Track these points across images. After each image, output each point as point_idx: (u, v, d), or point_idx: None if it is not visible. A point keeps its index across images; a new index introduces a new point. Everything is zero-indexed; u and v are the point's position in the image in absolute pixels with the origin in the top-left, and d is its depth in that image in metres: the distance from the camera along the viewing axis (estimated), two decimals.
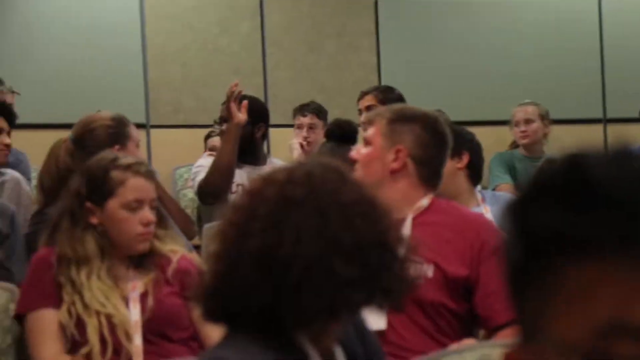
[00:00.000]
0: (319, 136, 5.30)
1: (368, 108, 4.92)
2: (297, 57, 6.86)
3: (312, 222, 1.55)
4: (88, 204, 2.69)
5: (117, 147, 3.46)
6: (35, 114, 5.98)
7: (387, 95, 4.92)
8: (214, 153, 5.52)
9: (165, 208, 4.05)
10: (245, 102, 4.23)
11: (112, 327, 2.61)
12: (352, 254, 1.54)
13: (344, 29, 6.93)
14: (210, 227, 4.01)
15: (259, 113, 4.54)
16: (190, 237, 4.24)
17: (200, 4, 6.71)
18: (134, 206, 2.69)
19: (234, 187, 4.41)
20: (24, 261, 3.22)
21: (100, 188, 2.69)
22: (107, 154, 2.84)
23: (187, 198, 4.85)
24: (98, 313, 2.61)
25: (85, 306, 2.61)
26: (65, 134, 3.78)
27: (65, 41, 6.41)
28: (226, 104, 4.24)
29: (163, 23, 6.64)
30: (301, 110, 5.46)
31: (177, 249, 2.81)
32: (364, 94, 5.03)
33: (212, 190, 4.25)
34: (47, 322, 2.64)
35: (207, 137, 5.88)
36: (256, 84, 6.71)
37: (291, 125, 5.59)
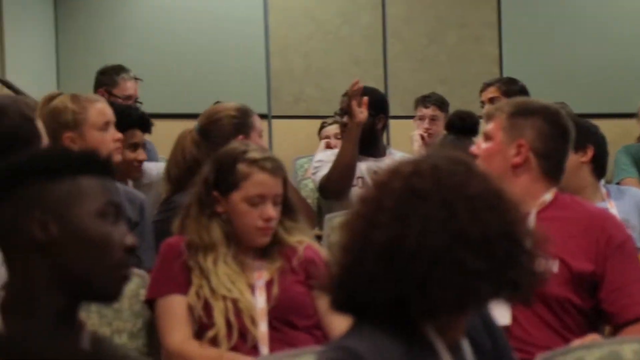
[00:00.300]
0: (440, 128, 5.27)
1: (491, 100, 4.88)
2: (418, 48, 6.84)
3: (438, 214, 1.55)
4: (215, 193, 2.74)
5: (240, 137, 3.51)
6: (161, 104, 6.11)
7: (510, 87, 4.87)
8: (330, 141, 5.57)
9: None
10: (365, 99, 4.24)
11: (238, 312, 2.66)
12: (479, 246, 1.54)
13: (466, 20, 6.88)
14: (331, 218, 4.04)
15: (379, 104, 4.54)
16: (310, 228, 4.28)
17: None
18: (256, 201, 2.73)
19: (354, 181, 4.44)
20: (153, 248, 3.30)
21: (226, 179, 2.73)
22: (239, 144, 2.87)
23: (308, 188, 4.89)
24: (224, 297, 2.66)
25: (212, 290, 2.67)
26: (190, 124, 3.86)
27: (190, 32, 6.53)
28: (348, 101, 4.26)
29: (286, 14, 6.70)
30: (423, 101, 5.44)
31: (303, 240, 2.84)
32: (486, 86, 4.99)
33: (333, 188, 4.29)
34: (176, 307, 2.70)
35: (321, 128, 5.91)
36: (376, 75, 6.72)
37: (411, 117, 5.58)
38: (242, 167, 2.74)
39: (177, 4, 6.54)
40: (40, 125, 2.45)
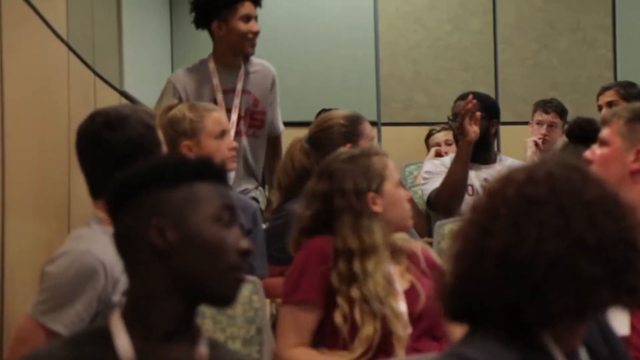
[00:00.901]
0: (557, 135, 5.21)
1: (609, 104, 4.81)
2: (529, 54, 6.77)
3: (554, 221, 1.54)
4: (371, 195, 2.77)
5: (349, 145, 3.52)
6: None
7: (629, 90, 4.79)
8: (440, 149, 5.54)
9: None
10: (478, 114, 4.22)
11: (385, 320, 2.66)
12: (596, 252, 1.52)
13: (579, 24, 6.78)
14: (441, 225, 4.03)
15: (493, 109, 4.53)
16: (421, 234, 4.28)
17: (433, 2, 6.74)
18: (399, 184, 2.86)
19: None
20: (265, 256, 3.35)
21: (374, 176, 2.77)
22: (360, 150, 2.91)
23: (417, 196, 4.88)
24: (375, 303, 2.66)
25: (364, 296, 2.65)
26: (301, 132, 3.90)
27: (299, 39, 6.59)
28: (460, 120, 4.24)
29: (395, 21, 6.71)
30: (544, 106, 5.36)
31: (416, 243, 2.87)
32: (604, 90, 4.91)
33: (442, 204, 4.29)
34: (304, 316, 2.70)
35: (429, 135, 5.89)
36: (487, 81, 6.67)
37: (522, 123, 5.52)
38: (375, 159, 2.81)
39: (286, 12, 6.61)
40: (160, 133, 2.50)
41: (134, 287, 1.70)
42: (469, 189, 4.43)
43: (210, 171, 1.72)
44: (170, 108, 3.35)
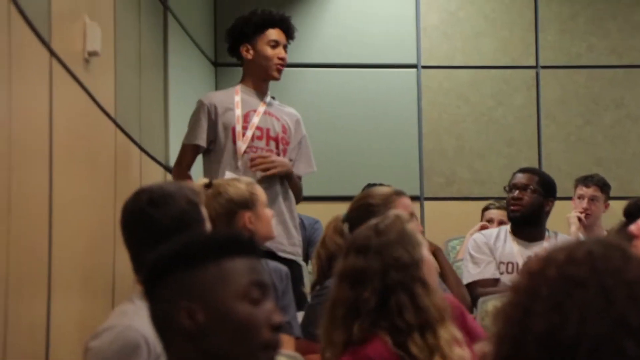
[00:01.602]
0: (599, 209, 5.19)
1: None
2: (573, 129, 6.77)
3: (596, 301, 1.53)
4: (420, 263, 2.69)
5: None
6: (317, 186, 6.22)
7: None
8: (489, 226, 5.52)
9: (445, 278, 4.12)
10: None
11: None
12: None
13: (622, 100, 6.78)
14: (485, 301, 4.02)
15: (550, 188, 4.55)
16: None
17: (476, 78, 6.78)
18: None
19: (503, 267, 4.41)
20: (297, 318, 3.38)
21: (417, 244, 2.68)
22: (394, 217, 2.83)
23: (460, 271, 4.87)
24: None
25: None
26: (346, 206, 3.90)
27: (342, 113, 6.65)
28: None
29: (438, 96, 6.75)
30: (584, 180, 5.35)
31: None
32: None
33: (474, 296, 4.28)
34: None
35: (485, 208, 5.87)
36: (530, 156, 6.68)
37: (565, 198, 5.50)
38: (412, 226, 2.71)
39: (331, 87, 6.68)
40: (204, 210, 2.53)
41: None
42: (511, 266, 4.42)
43: (240, 245, 1.71)
44: (208, 186, 3.40)
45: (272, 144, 4.42)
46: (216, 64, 6.51)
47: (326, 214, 5.91)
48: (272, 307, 1.70)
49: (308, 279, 5.07)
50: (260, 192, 3.47)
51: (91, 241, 3.47)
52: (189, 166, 4.44)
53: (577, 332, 1.50)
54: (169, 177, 4.93)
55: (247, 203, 3.38)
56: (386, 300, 2.58)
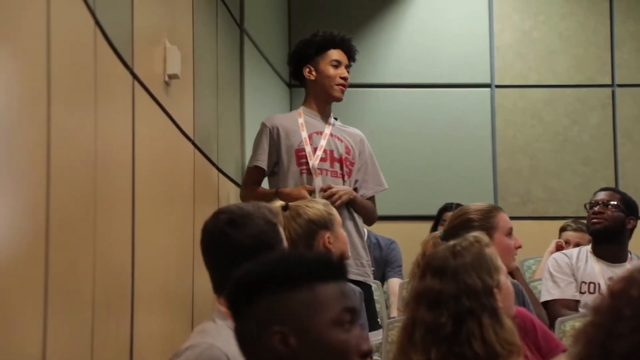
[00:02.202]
0: None
1: None
2: None
3: None
4: (495, 290, 2.63)
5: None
6: (393, 206, 6.23)
7: None
8: (564, 246, 5.48)
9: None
10: None
11: None
12: None
13: None
14: (563, 321, 3.99)
15: (632, 206, 4.51)
16: None
17: (551, 97, 6.74)
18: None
19: (585, 287, 4.37)
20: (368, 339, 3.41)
21: (494, 270, 2.65)
22: (473, 240, 2.74)
23: (537, 291, 4.84)
24: None
25: None
26: (421, 226, 3.91)
27: (417, 134, 6.65)
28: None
29: (513, 116, 6.72)
30: None
31: None
32: None
33: (551, 317, 4.25)
34: None
35: (563, 229, 5.82)
36: (606, 175, 6.61)
37: None
38: (490, 251, 2.68)
39: (406, 109, 6.68)
40: (282, 230, 2.56)
41: None
42: (592, 286, 4.38)
43: (332, 269, 1.71)
44: (286, 207, 3.44)
45: (337, 166, 4.44)
46: (291, 85, 6.57)
47: (401, 234, 5.96)
48: (360, 333, 1.70)
49: (384, 298, 5.08)
50: (336, 213, 3.50)
51: (171, 261, 3.53)
52: (255, 188, 4.49)
53: None
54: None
55: (326, 223, 3.41)
56: (460, 327, 2.56)
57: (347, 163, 4.48)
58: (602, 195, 4.53)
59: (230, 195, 4.66)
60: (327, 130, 4.50)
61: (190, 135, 3.84)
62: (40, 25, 2.18)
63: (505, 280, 2.68)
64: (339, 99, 4.54)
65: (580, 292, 4.43)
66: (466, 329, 2.55)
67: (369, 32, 6.66)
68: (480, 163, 6.65)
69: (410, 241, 5.88)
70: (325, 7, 6.70)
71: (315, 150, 4.43)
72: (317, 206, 3.45)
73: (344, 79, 4.50)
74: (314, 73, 4.51)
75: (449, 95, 6.69)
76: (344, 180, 4.45)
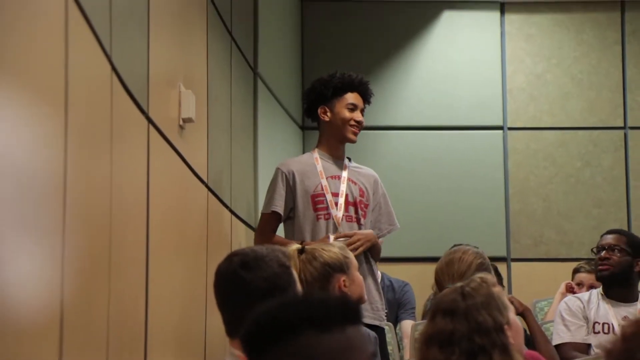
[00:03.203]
0: None
1: None
2: None
3: None
4: (506, 327, 2.64)
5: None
6: (409, 248, 6.24)
7: None
8: (576, 288, 5.47)
9: (533, 338, 4.11)
10: None
11: None
12: None
13: None
14: None
15: (639, 247, 4.51)
16: None
17: (563, 139, 6.76)
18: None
19: (599, 327, 4.37)
20: None
21: (503, 307, 2.67)
22: (480, 281, 2.75)
23: (549, 333, 4.83)
24: None
25: None
26: (433, 267, 3.90)
27: (430, 175, 6.67)
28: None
29: (525, 158, 6.74)
30: None
31: None
32: None
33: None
34: None
35: (576, 270, 5.82)
36: (619, 218, 6.61)
37: None
38: (497, 290, 2.71)
39: (418, 148, 6.71)
40: (295, 273, 2.58)
41: None
42: (606, 326, 4.38)
43: (356, 312, 1.69)
44: (302, 251, 3.46)
45: (352, 210, 4.45)
46: (304, 127, 6.61)
47: (413, 275, 5.96)
48: None
49: (396, 340, 5.08)
50: (352, 256, 3.52)
51: (185, 304, 3.55)
52: (272, 236, 4.46)
53: None
54: None
55: (342, 266, 3.43)
56: None
57: (362, 206, 4.49)
58: (608, 239, 4.53)
59: (243, 238, 4.68)
60: (345, 174, 4.51)
61: (204, 178, 3.87)
62: (58, 70, 2.21)
63: (514, 317, 2.71)
64: (352, 141, 4.56)
65: (594, 332, 4.43)
66: None
67: (382, 75, 6.70)
68: (493, 204, 6.66)
69: (423, 282, 5.91)
70: (338, 50, 6.75)
71: (334, 196, 4.43)
72: (333, 249, 3.47)
73: (359, 122, 4.53)
74: (328, 114, 4.53)
75: (462, 137, 6.72)
76: (359, 225, 4.45)
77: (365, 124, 4.65)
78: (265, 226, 4.50)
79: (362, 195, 4.50)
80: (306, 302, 1.71)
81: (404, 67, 6.78)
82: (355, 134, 4.54)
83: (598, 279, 4.58)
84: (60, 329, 2.17)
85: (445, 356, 2.59)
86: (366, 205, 4.51)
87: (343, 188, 4.45)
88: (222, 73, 4.35)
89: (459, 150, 6.69)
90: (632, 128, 6.74)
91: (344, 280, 3.41)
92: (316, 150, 4.59)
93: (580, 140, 6.75)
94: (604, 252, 4.49)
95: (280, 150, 5.74)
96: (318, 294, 1.91)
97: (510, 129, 6.76)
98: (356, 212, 4.46)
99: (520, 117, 6.78)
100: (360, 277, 3.50)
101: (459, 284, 2.73)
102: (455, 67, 6.80)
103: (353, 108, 4.52)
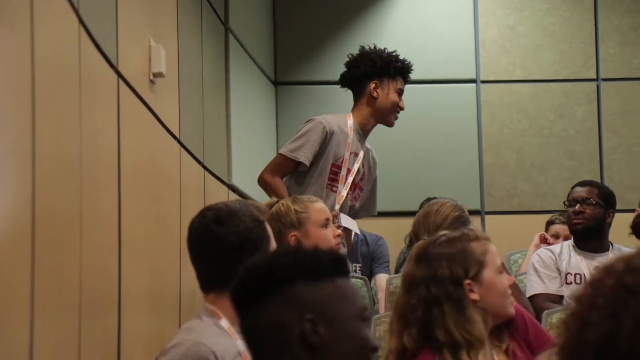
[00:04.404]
0: None
1: None
2: (635, 141, 6.71)
3: None
4: (467, 282, 2.66)
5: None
6: (383, 203, 6.23)
7: None
8: (550, 239, 5.50)
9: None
10: None
11: None
12: None
13: None
14: (549, 314, 4.01)
15: (610, 199, 4.53)
16: None
17: (536, 92, 6.76)
18: (501, 270, 2.71)
19: (571, 278, 4.40)
20: None
21: (472, 263, 2.67)
22: (460, 233, 2.78)
23: (522, 284, 4.86)
24: None
25: None
26: (406, 221, 3.93)
27: (404, 130, 6.66)
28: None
29: (499, 111, 6.75)
30: None
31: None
32: None
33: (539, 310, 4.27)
34: None
35: (551, 222, 5.84)
36: (592, 169, 6.63)
37: (628, 210, 5.46)
38: (476, 245, 2.69)
39: None
40: (269, 228, 2.56)
41: None
42: (578, 277, 4.41)
43: (343, 265, 1.73)
44: (271, 205, 3.44)
45: (353, 192, 4.41)
46: (276, 82, 6.57)
47: (387, 229, 5.97)
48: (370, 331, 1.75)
49: (371, 294, 5.09)
50: (316, 212, 3.44)
51: (158, 260, 3.54)
52: (280, 179, 4.33)
53: (629, 343, 1.49)
54: (232, 195, 4.99)
55: (294, 222, 3.39)
56: (429, 312, 2.63)
57: (359, 189, 4.46)
58: (580, 192, 4.53)
59: (216, 193, 4.66)
60: (361, 154, 4.43)
61: (176, 133, 3.84)
62: (24, 25, 2.18)
63: (492, 276, 2.68)
64: (391, 126, 4.52)
65: (567, 283, 4.46)
66: (434, 315, 2.61)
67: (354, 29, 6.66)
68: (467, 158, 6.67)
69: (396, 236, 5.93)
70: (309, 4, 6.71)
71: (347, 172, 4.36)
72: (289, 204, 3.43)
73: (402, 109, 4.49)
74: (378, 91, 4.43)
75: (435, 91, 6.71)
76: (352, 207, 4.42)
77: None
78: (279, 169, 4.35)
79: (362, 180, 4.47)
80: (297, 253, 1.75)
81: (376, 21, 6.74)
82: (396, 119, 4.49)
83: (572, 232, 4.60)
84: (31, 287, 2.16)
85: (406, 299, 2.66)
86: (362, 189, 4.48)
87: (357, 167, 4.40)
88: (193, 27, 4.31)
89: (432, 104, 6.68)
90: (604, 80, 6.75)
91: (293, 236, 3.37)
92: (351, 117, 4.49)
93: (553, 93, 6.76)
94: (577, 205, 4.50)
95: (252, 105, 5.71)
96: (307, 247, 1.92)
97: (483, 82, 6.76)
98: (353, 191, 4.43)
99: (493, 70, 6.77)
100: (324, 234, 3.43)
101: (441, 232, 2.76)
102: (428, 20, 6.77)
103: (401, 93, 4.47)
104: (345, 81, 4.53)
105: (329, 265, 1.70)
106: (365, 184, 4.51)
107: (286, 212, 3.40)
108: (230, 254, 2.41)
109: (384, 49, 4.53)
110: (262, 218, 2.54)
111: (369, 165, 4.53)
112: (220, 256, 2.43)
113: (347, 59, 4.57)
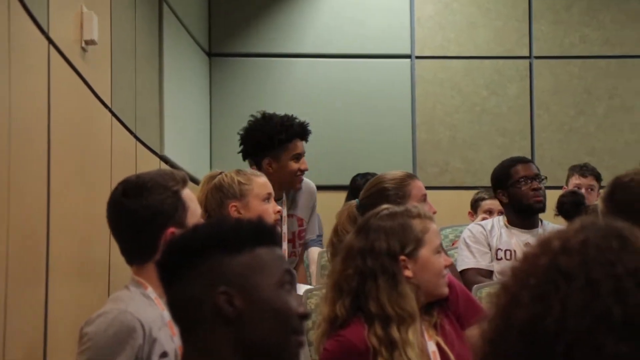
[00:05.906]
0: (594, 199, 5.20)
1: None
2: (566, 119, 6.80)
3: (580, 295, 1.49)
4: (402, 257, 2.66)
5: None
6: (315, 177, 6.22)
7: None
8: (487, 218, 5.52)
9: None
10: None
11: None
12: (622, 328, 1.48)
13: (616, 90, 6.81)
14: (479, 288, 4.04)
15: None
16: None
17: (470, 68, 6.80)
18: (439, 250, 2.71)
19: (501, 254, 4.44)
20: None
21: (410, 239, 2.68)
22: (403, 209, 2.77)
23: (453, 259, 4.89)
24: None
25: None
26: (337, 195, 3.93)
27: (337, 105, 6.67)
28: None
29: (432, 87, 6.78)
30: (581, 170, 5.35)
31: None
32: None
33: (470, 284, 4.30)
34: None
35: (481, 199, 5.86)
36: (523, 146, 6.70)
37: (558, 187, 5.53)
38: (416, 222, 2.69)
39: (325, 79, 6.69)
40: (189, 197, 2.49)
41: (193, 352, 1.69)
42: (508, 253, 4.45)
43: (268, 234, 1.73)
44: (213, 177, 3.42)
45: (289, 247, 4.35)
46: (210, 54, 6.52)
47: (321, 204, 5.96)
48: (297, 296, 1.74)
49: (305, 266, 5.10)
50: (259, 186, 3.44)
51: (88, 229, 3.50)
52: None
53: (557, 326, 1.48)
54: (164, 166, 4.96)
55: (235, 193, 3.39)
56: (363, 284, 2.64)
57: (299, 237, 4.43)
58: (535, 169, 4.56)
59: (148, 164, 4.62)
60: (285, 212, 4.31)
61: (108, 103, 3.79)
62: None
63: (428, 255, 2.68)
64: (299, 189, 4.38)
65: (497, 259, 4.50)
66: (368, 287, 2.63)
67: (289, 1, 6.63)
68: (400, 134, 6.69)
69: (329, 211, 5.91)
70: None
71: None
72: (233, 175, 3.43)
73: (304, 170, 4.32)
74: (273, 166, 4.25)
75: (369, 66, 6.72)
76: (295, 252, 4.40)
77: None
78: None
79: (300, 225, 4.43)
80: (216, 226, 1.75)
81: None
82: (301, 182, 4.36)
83: (534, 209, 4.54)
84: None
85: (342, 268, 2.67)
86: (304, 230, 4.46)
87: (285, 229, 4.31)
88: None
89: (367, 78, 6.69)
90: (537, 57, 6.82)
91: (234, 206, 3.36)
92: None
93: (486, 70, 6.81)
94: (536, 182, 4.49)
95: (186, 76, 5.66)
96: (232, 218, 1.91)
97: (417, 57, 6.78)
98: (294, 246, 4.39)
99: (428, 46, 6.80)
100: (265, 207, 3.42)
101: (384, 206, 2.77)
102: None
103: (299, 157, 4.30)
104: (243, 156, 4.38)
105: (249, 235, 1.70)
106: (307, 218, 4.47)
107: (229, 183, 3.39)
108: (143, 226, 2.37)
109: (272, 116, 4.31)
110: (176, 188, 2.47)
111: (300, 206, 4.44)
112: (134, 229, 2.39)
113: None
